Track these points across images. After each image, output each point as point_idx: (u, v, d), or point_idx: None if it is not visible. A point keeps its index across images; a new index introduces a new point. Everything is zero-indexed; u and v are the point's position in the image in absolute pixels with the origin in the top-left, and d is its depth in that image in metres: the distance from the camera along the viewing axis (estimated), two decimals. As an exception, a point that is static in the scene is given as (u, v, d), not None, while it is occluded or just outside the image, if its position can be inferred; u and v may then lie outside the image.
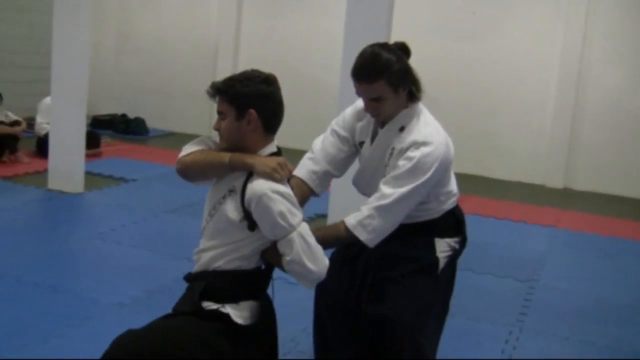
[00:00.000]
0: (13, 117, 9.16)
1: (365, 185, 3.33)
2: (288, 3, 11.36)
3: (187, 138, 9.50)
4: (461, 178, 9.58)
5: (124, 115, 11.97)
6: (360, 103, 3.27)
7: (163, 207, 7.19)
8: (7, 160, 8.83)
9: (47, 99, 8.42)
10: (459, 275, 5.68)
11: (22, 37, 11.26)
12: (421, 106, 3.22)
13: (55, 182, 7.62)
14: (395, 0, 10.09)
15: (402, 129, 3.14)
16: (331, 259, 2.99)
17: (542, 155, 10.34)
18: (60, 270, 5.30)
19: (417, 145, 3.05)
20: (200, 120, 12.05)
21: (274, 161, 2.78)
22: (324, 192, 3.44)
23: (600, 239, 7.58)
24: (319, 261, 2.76)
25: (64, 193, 7.47)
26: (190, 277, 2.96)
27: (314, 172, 3.37)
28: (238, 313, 2.83)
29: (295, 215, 2.74)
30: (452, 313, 4.93)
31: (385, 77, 3.03)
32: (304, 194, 3.31)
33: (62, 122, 7.56)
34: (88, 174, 7.87)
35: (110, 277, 5.18)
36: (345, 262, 3.39)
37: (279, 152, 2.93)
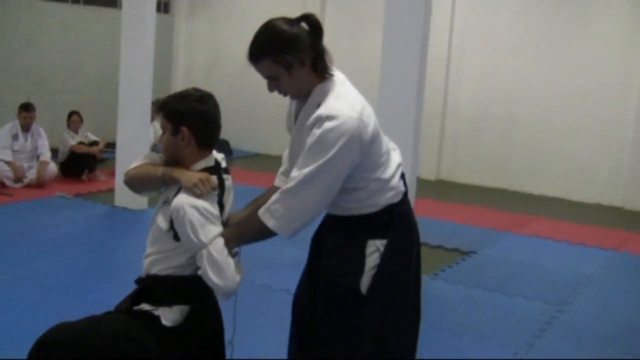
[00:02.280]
0: (92, 137, 9.77)
1: None
2: (365, 25, 11.57)
3: (271, 159, 10.04)
4: (536, 199, 9.59)
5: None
6: None
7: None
8: (85, 178, 9.42)
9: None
10: (485, 296, 5.70)
11: (102, 64, 11.95)
12: (340, 79, 2.95)
13: (121, 199, 8.05)
14: (473, 19, 10.18)
15: (318, 105, 2.84)
16: None
17: (622, 176, 9.99)
18: (104, 284, 5.58)
19: (320, 120, 2.75)
20: (284, 142, 12.27)
21: (196, 176, 2.93)
22: None
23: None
24: (226, 276, 2.88)
25: (127, 210, 7.88)
26: (137, 281, 3.18)
27: (282, 173, 3.28)
28: (168, 316, 3.00)
29: (209, 232, 2.87)
30: (459, 332, 5.00)
31: (269, 54, 2.81)
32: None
33: (128, 143, 7.99)
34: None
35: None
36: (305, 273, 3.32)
37: (215, 167, 3.10)
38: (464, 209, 9.17)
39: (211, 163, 3.09)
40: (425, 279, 6.07)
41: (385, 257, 2.94)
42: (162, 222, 3.00)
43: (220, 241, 2.91)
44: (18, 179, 8.81)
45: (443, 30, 10.82)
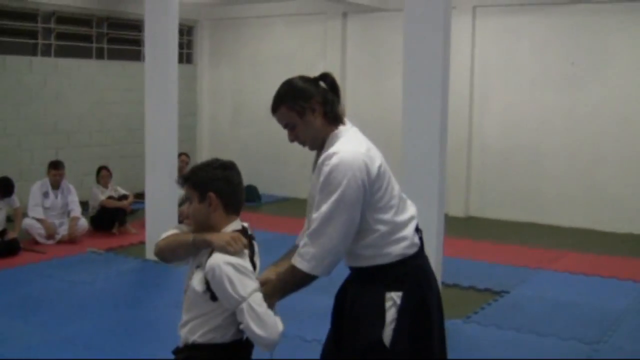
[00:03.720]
0: (122, 191, 9.91)
1: None
2: (386, 68, 11.68)
3: (299, 203, 9.98)
4: (566, 232, 9.50)
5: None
6: None
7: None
8: (116, 232, 9.53)
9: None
10: (518, 338, 5.67)
11: (128, 117, 12.16)
12: (348, 127, 3.14)
13: (152, 252, 8.07)
14: (494, 55, 10.25)
15: None
16: None
17: (652, 205, 9.91)
18: (129, 339, 5.69)
19: (327, 158, 2.96)
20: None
21: (227, 235, 3.03)
22: None
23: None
24: (268, 327, 2.95)
25: (159, 263, 7.94)
26: (174, 352, 3.23)
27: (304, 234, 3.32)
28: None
29: (247, 286, 2.95)
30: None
31: (285, 102, 3.09)
32: None
33: (157, 193, 8.11)
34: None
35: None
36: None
37: (244, 230, 3.17)
38: (494, 246, 9.13)
39: (239, 227, 3.17)
40: (457, 322, 6.09)
41: (402, 310, 3.03)
42: (197, 285, 3.05)
43: (259, 295, 2.99)
44: (50, 236, 8.94)
45: (464, 68, 10.89)
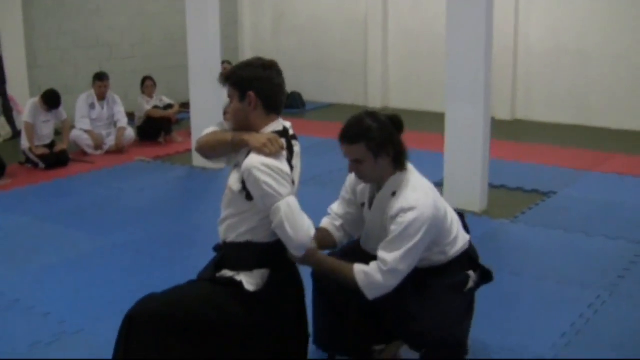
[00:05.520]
0: (167, 100, 9.95)
1: (374, 248, 3.45)
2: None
3: (343, 109, 10.05)
4: (614, 134, 9.30)
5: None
6: None
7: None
8: (163, 141, 9.63)
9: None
10: (566, 237, 5.67)
11: (170, 28, 12.00)
12: (411, 171, 3.39)
13: (199, 159, 8.16)
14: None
15: (394, 194, 3.32)
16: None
17: None
18: (178, 243, 5.81)
19: (404, 211, 3.21)
20: (355, 91, 12.41)
21: (264, 137, 3.05)
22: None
23: None
24: (300, 230, 3.02)
25: (206, 170, 8.04)
26: (215, 248, 3.30)
27: (336, 227, 3.63)
28: (250, 280, 3.13)
29: (283, 186, 3.00)
30: (542, 276, 4.99)
31: (365, 141, 3.24)
32: (327, 241, 3.55)
33: (202, 103, 8.14)
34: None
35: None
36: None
37: (284, 132, 3.17)
38: (541, 148, 9.02)
39: (279, 128, 3.19)
40: (505, 222, 6.14)
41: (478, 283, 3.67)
42: (235, 184, 3.11)
43: (295, 199, 3.04)
44: (98, 147, 9.07)
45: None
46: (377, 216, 3.41)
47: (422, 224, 3.20)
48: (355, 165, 3.32)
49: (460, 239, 3.53)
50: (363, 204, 3.55)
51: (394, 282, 3.23)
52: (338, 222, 3.61)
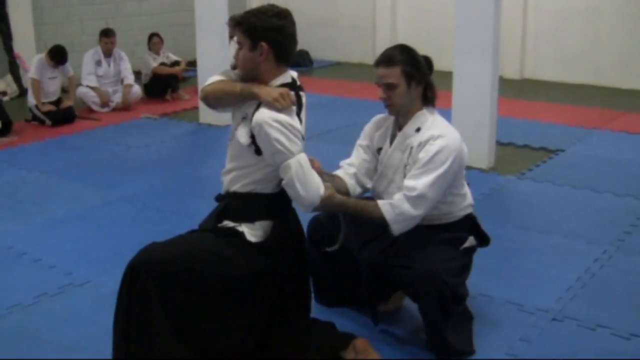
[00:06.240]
0: (174, 57, 9.90)
1: (385, 188, 3.47)
2: None
3: (351, 67, 9.97)
4: (624, 94, 9.22)
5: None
6: (378, 117, 3.63)
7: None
8: (169, 98, 9.62)
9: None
10: (573, 193, 5.71)
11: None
12: (436, 114, 3.45)
13: (205, 116, 8.19)
14: None
15: (418, 129, 3.37)
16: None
17: None
18: (184, 196, 5.82)
19: (434, 138, 3.28)
20: (364, 49, 12.30)
21: (276, 91, 2.96)
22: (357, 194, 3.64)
23: None
24: (310, 188, 2.97)
25: (212, 126, 8.02)
26: (217, 198, 3.27)
27: (349, 175, 3.61)
28: (252, 232, 3.10)
29: (294, 144, 2.93)
30: (548, 230, 4.98)
31: (401, 65, 3.30)
32: (339, 187, 3.50)
33: (208, 60, 8.05)
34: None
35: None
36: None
37: (293, 83, 3.11)
38: (550, 107, 8.94)
39: (288, 79, 3.12)
40: (511, 178, 6.12)
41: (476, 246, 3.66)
42: (243, 137, 3.04)
43: (305, 156, 2.98)
44: (104, 104, 9.04)
45: None
46: (397, 153, 3.43)
47: (451, 152, 3.26)
48: (387, 92, 3.34)
49: (468, 198, 3.54)
50: (379, 149, 3.54)
51: (421, 210, 3.25)
52: (351, 170, 3.59)
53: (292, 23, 3.08)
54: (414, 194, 3.22)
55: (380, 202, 3.30)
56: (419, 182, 3.22)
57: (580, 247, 4.74)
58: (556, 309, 3.90)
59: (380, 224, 3.29)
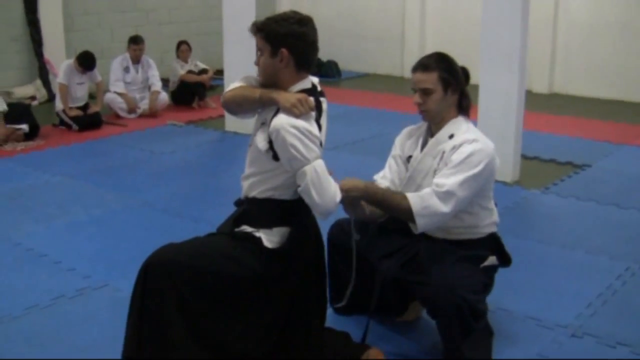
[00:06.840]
0: (201, 65, 9.94)
1: (413, 192, 3.40)
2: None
3: (379, 78, 9.98)
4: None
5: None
6: (409, 127, 3.63)
7: (329, 144, 7.50)
8: (196, 106, 9.65)
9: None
10: (598, 209, 5.65)
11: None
12: (470, 123, 3.44)
13: (231, 124, 8.20)
14: None
15: (451, 136, 3.35)
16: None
17: None
18: (205, 203, 5.81)
19: (469, 141, 3.27)
20: (392, 61, 12.29)
21: (294, 97, 2.95)
22: None
23: None
24: (326, 195, 2.94)
25: (238, 134, 8.03)
26: (236, 203, 3.26)
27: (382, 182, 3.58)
28: (269, 238, 3.08)
29: (311, 150, 2.91)
30: (571, 245, 4.92)
31: (439, 71, 3.31)
32: None
33: (235, 69, 8.02)
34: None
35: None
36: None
37: (313, 89, 3.10)
38: (578, 121, 8.85)
39: (308, 85, 3.11)
40: (536, 192, 6.05)
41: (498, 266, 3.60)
42: (261, 142, 3.03)
43: (322, 163, 2.95)
44: (131, 110, 9.10)
45: None
46: (427, 158, 3.40)
47: (485, 157, 3.25)
48: (423, 97, 3.33)
49: (494, 215, 3.50)
50: (409, 157, 3.51)
51: (448, 207, 3.20)
52: (385, 184, 3.53)
53: (314, 30, 3.08)
54: (443, 189, 3.19)
55: (408, 194, 3.27)
56: (449, 180, 3.20)
57: (602, 263, 4.67)
58: (576, 325, 3.84)
59: (405, 216, 3.26)
